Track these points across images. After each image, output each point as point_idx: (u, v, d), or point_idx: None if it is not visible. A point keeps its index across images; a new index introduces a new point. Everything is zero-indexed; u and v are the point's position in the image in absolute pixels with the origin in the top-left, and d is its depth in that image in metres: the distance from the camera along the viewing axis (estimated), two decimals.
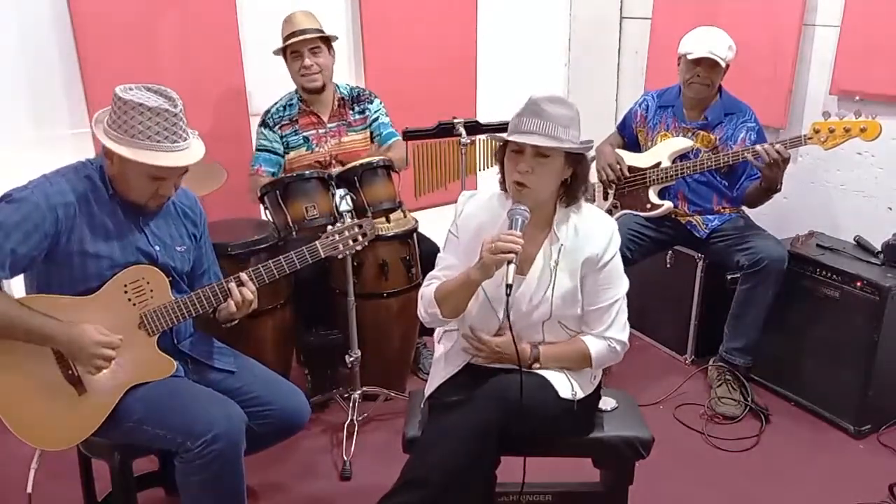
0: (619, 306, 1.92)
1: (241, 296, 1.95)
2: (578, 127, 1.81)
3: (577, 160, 1.85)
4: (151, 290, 1.90)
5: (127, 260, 1.89)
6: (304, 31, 2.86)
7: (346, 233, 2.15)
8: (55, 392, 1.83)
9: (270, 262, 2.02)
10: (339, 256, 2.18)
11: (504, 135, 1.83)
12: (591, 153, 3.21)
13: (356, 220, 2.20)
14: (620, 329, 1.93)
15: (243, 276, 1.98)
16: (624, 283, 1.94)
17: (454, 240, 1.97)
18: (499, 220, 1.89)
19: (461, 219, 1.96)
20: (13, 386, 1.81)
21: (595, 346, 1.91)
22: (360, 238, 2.18)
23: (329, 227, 2.17)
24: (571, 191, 1.89)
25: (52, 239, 1.78)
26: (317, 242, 2.10)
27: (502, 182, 1.92)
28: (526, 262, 1.88)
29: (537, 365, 1.90)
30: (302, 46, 2.86)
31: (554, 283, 1.88)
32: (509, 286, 1.71)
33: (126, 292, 1.88)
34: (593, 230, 1.90)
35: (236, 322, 2.04)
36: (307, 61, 2.87)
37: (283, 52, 2.92)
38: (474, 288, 1.84)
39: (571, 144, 1.78)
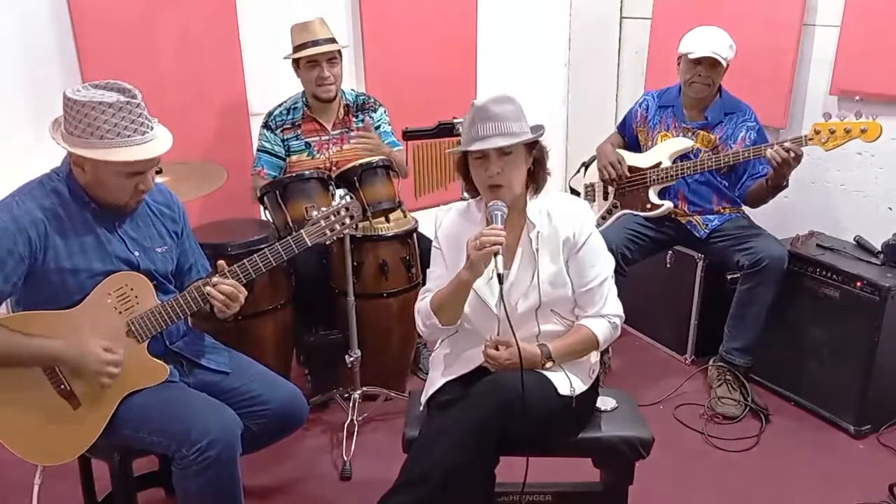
0: (608, 283, 1.97)
1: (221, 294, 1.88)
2: (524, 116, 1.87)
3: (534, 147, 1.91)
4: (136, 297, 1.87)
5: (107, 269, 1.84)
6: (323, 41, 2.84)
7: (332, 217, 2.06)
8: (49, 408, 1.81)
9: (256, 255, 1.96)
10: (328, 242, 2.09)
11: (463, 148, 1.87)
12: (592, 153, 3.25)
13: (341, 203, 2.09)
14: (614, 304, 1.98)
15: (221, 263, 1.93)
16: (609, 261, 1.98)
17: (439, 252, 2.02)
18: (475, 226, 1.94)
19: (441, 231, 2.02)
20: (6, 406, 1.79)
21: (598, 327, 1.94)
22: (347, 221, 2.08)
23: (314, 214, 2.08)
24: (536, 177, 1.95)
25: (29, 261, 1.75)
26: (302, 231, 2.03)
27: (469, 191, 1.98)
28: (508, 255, 1.91)
29: (550, 363, 1.91)
30: (322, 57, 2.85)
31: (538, 269, 1.91)
32: (500, 276, 1.75)
33: (110, 301, 1.84)
34: (565, 213, 1.95)
35: (238, 317, 2.00)
36: (325, 72, 2.86)
37: (296, 58, 2.89)
38: (467, 289, 1.87)
39: (528, 135, 1.85)
